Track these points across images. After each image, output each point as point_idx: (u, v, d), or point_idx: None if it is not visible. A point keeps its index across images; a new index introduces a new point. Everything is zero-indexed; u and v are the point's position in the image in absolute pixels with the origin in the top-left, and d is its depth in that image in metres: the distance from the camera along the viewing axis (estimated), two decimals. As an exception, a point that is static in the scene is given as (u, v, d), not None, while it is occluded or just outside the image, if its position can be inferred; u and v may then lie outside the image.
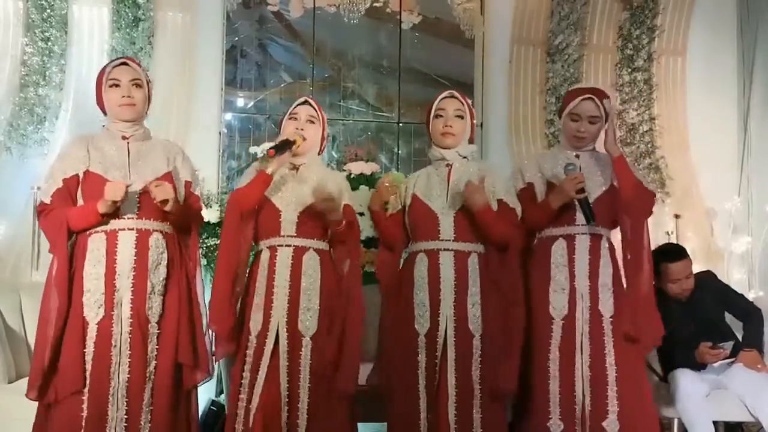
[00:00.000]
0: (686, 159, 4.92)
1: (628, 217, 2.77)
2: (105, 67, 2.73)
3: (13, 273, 4.12)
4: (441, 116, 2.78)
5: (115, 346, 2.49)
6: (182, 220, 2.70)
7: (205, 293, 2.74)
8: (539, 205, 2.83)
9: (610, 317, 2.74)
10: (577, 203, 2.75)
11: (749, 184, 4.96)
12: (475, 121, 2.87)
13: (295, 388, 2.55)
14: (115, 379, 2.47)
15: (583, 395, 2.68)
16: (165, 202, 2.55)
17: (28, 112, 4.31)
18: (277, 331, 2.58)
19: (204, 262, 4.31)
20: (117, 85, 2.64)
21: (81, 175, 2.60)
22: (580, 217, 2.77)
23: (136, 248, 2.56)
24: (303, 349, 2.58)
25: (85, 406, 2.45)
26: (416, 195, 2.80)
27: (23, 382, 2.56)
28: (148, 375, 2.51)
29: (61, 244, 2.55)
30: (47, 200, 2.59)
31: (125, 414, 2.46)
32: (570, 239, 2.80)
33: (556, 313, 2.76)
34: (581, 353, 2.71)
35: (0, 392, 3.08)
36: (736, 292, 3.61)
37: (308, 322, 2.61)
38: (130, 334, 2.50)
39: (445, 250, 2.73)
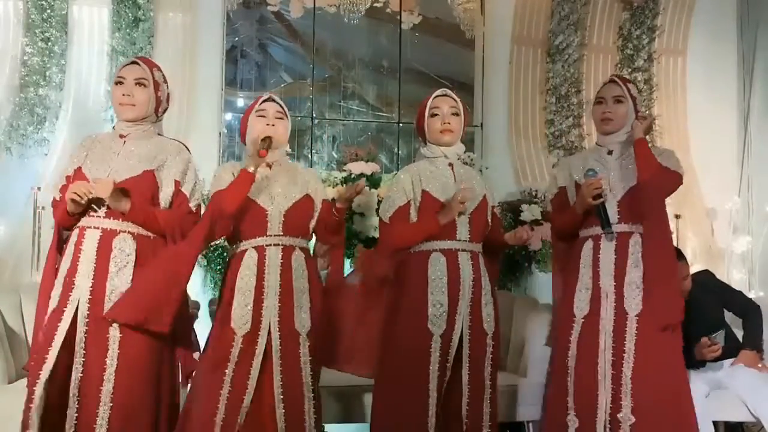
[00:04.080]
0: (686, 159, 4.92)
1: (644, 196, 2.74)
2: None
3: (13, 273, 4.13)
4: (437, 114, 2.81)
5: (55, 342, 2.41)
6: (144, 221, 2.54)
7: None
8: (567, 211, 2.87)
9: (636, 315, 2.72)
10: (596, 208, 2.76)
11: (749, 184, 4.97)
12: (466, 120, 2.89)
13: (292, 384, 2.56)
14: (74, 376, 2.42)
15: (605, 392, 2.69)
16: (102, 200, 2.47)
17: (28, 112, 4.32)
18: (269, 330, 2.58)
19: (204, 262, 4.32)
20: (121, 83, 2.64)
21: (73, 173, 2.60)
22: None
23: (97, 248, 2.49)
24: (301, 347, 2.60)
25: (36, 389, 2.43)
26: (429, 193, 2.78)
27: (23, 382, 2.56)
28: (106, 377, 2.42)
29: (54, 237, 2.61)
30: (57, 196, 2.61)
31: (75, 413, 2.41)
32: (596, 239, 2.81)
33: (578, 311, 2.78)
34: (605, 352, 2.71)
35: (0, 392, 3.07)
36: (733, 289, 3.60)
37: (304, 320, 2.62)
38: (85, 334, 2.44)
39: (462, 250, 2.75)
